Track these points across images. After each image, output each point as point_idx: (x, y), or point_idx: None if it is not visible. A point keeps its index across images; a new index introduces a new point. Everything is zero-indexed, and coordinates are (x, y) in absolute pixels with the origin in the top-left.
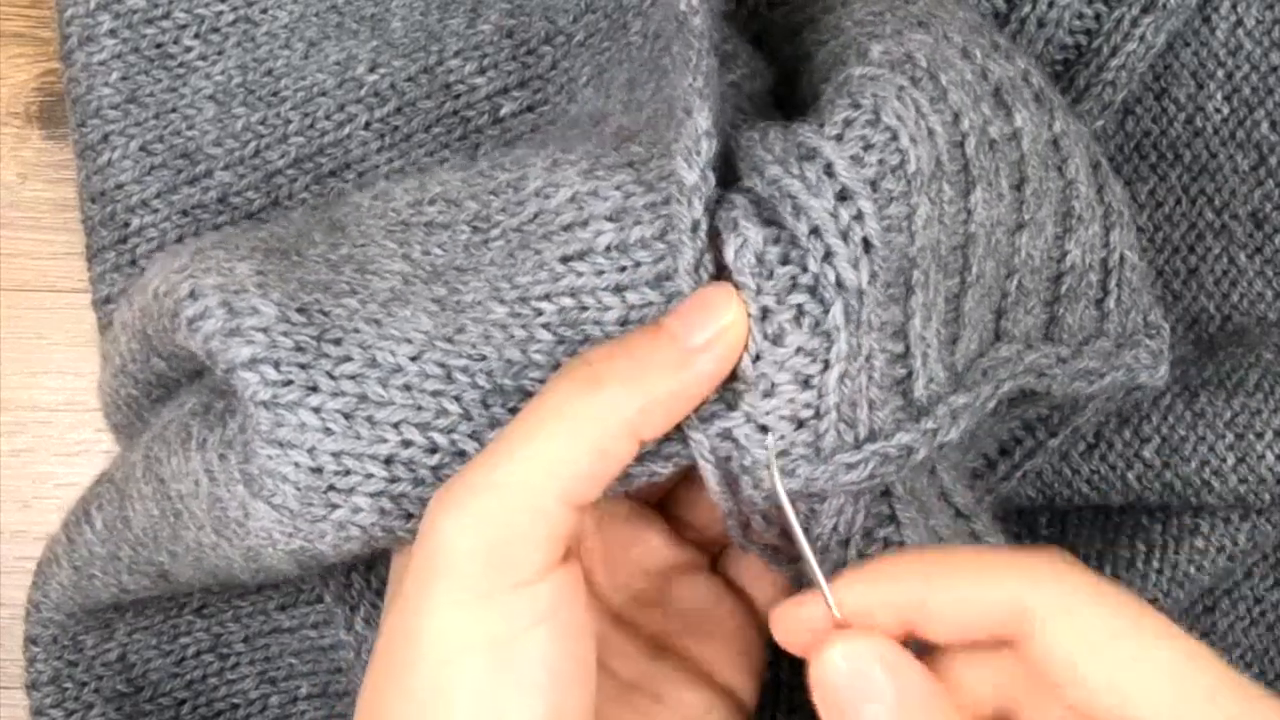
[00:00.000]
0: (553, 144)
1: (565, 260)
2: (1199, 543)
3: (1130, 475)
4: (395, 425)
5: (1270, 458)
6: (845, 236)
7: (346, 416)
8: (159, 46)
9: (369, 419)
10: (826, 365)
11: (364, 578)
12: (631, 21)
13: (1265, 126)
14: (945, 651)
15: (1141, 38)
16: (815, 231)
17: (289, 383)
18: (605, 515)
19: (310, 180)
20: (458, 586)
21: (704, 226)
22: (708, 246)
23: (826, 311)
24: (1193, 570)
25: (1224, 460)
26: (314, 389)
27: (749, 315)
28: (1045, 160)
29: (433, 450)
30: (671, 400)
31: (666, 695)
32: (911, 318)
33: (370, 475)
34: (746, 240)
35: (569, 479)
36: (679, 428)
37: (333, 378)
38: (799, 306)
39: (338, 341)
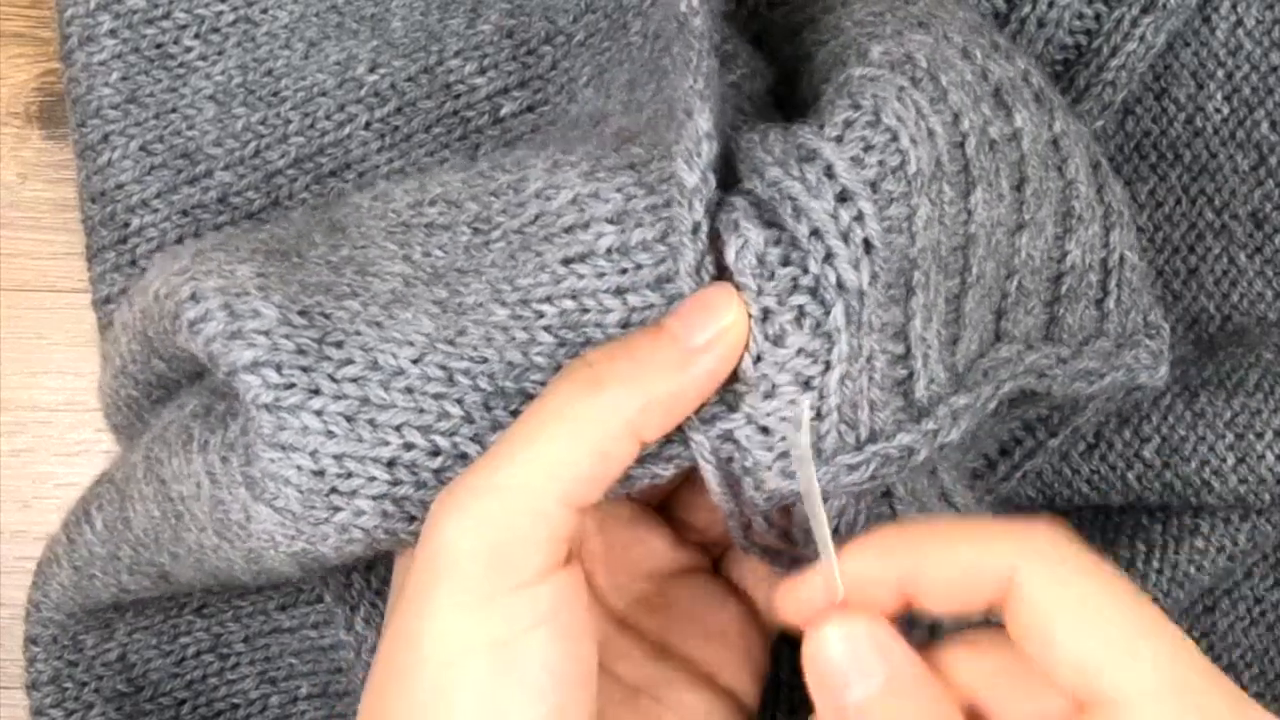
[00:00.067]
0: (553, 145)
1: (566, 262)
2: (1199, 543)
3: (1130, 475)
4: (397, 428)
5: (1270, 458)
6: (846, 238)
7: (349, 419)
8: (159, 46)
9: (371, 422)
10: (828, 366)
11: (364, 578)
12: (631, 21)
13: (1265, 126)
14: (940, 646)
15: (1141, 38)
16: (816, 233)
17: (291, 386)
18: (607, 517)
19: (310, 180)
20: (459, 589)
21: (705, 228)
22: (709, 248)
23: (828, 313)
24: (1193, 570)
25: (1224, 460)
26: (316, 392)
27: (750, 316)
28: (1045, 160)
29: (435, 453)
30: (672, 401)
31: (668, 697)
32: (912, 319)
33: (373, 478)
34: (748, 242)
35: (570, 481)
36: (680, 429)
37: (335, 380)
38: (800, 308)
39: (340, 344)
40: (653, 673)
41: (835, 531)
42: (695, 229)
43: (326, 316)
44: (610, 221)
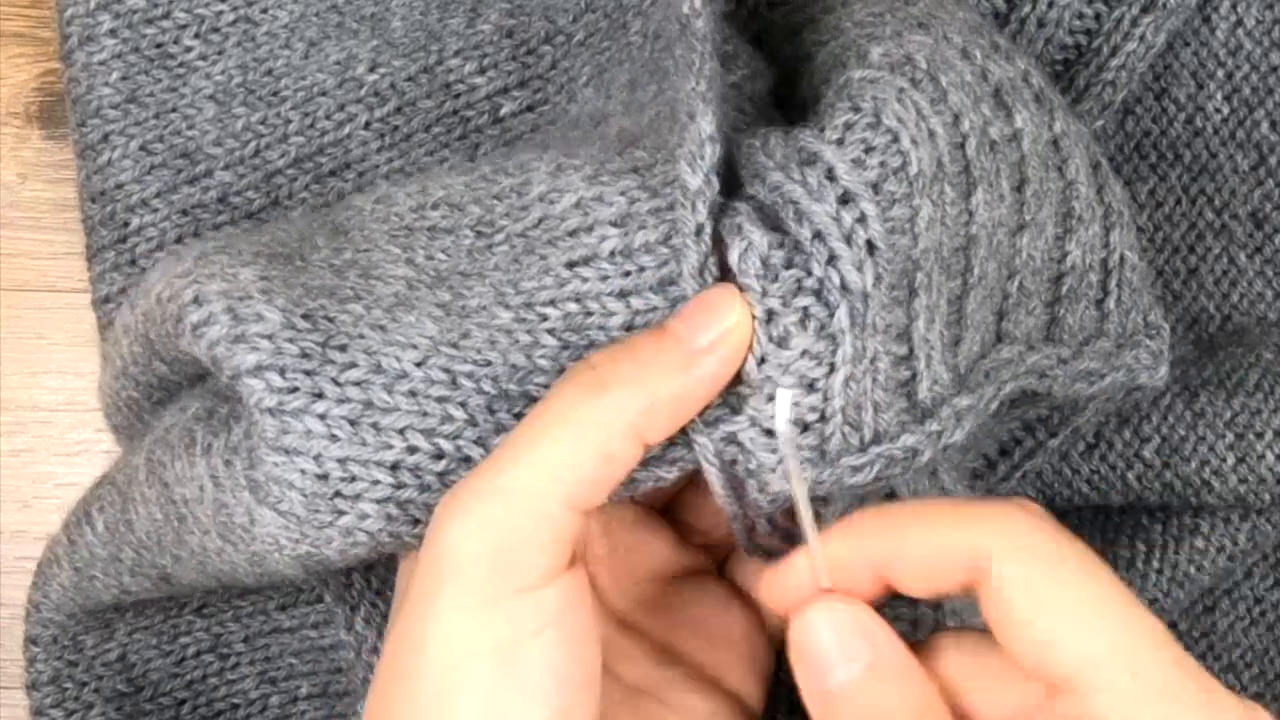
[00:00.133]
0: (555, 147)
1: (570, 265)
2: (1199, 543)
3: (1130, 475)
4: (401, 431)
5: (1270, 458)
6: (849, 239)
7: (352, 423)
8: (159, 46)
9: (374, 425)
10: (832, 369)
11: (364, 578)
12: (631, 21)
13: (1265, 126)
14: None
15: (1141, 38)
16: (818, 236)
17: (294, 389)
18: (611, 520)
19: (310, 180)
20: (463, 592)
21: (708, 230)
22: (712, 250)
23: (832, 315)
24: (1193, 570)
25: (1224, 460)
26: (319, 395)
27: (754, 318)
28: (1046, 161)
29: (438, 456)
30: (675, 402)
31: (672, 700)
32: (915, 320)
33: (376, 481)
34: (751, 244)
35: (573, 484)
36: (684, 432)
37: (338, 384)
38: (805, 309)
39: (343, 348)
40: (656, 675)
41: None
42: (698, 231)
43: (330, 320)
44: (614, 224)
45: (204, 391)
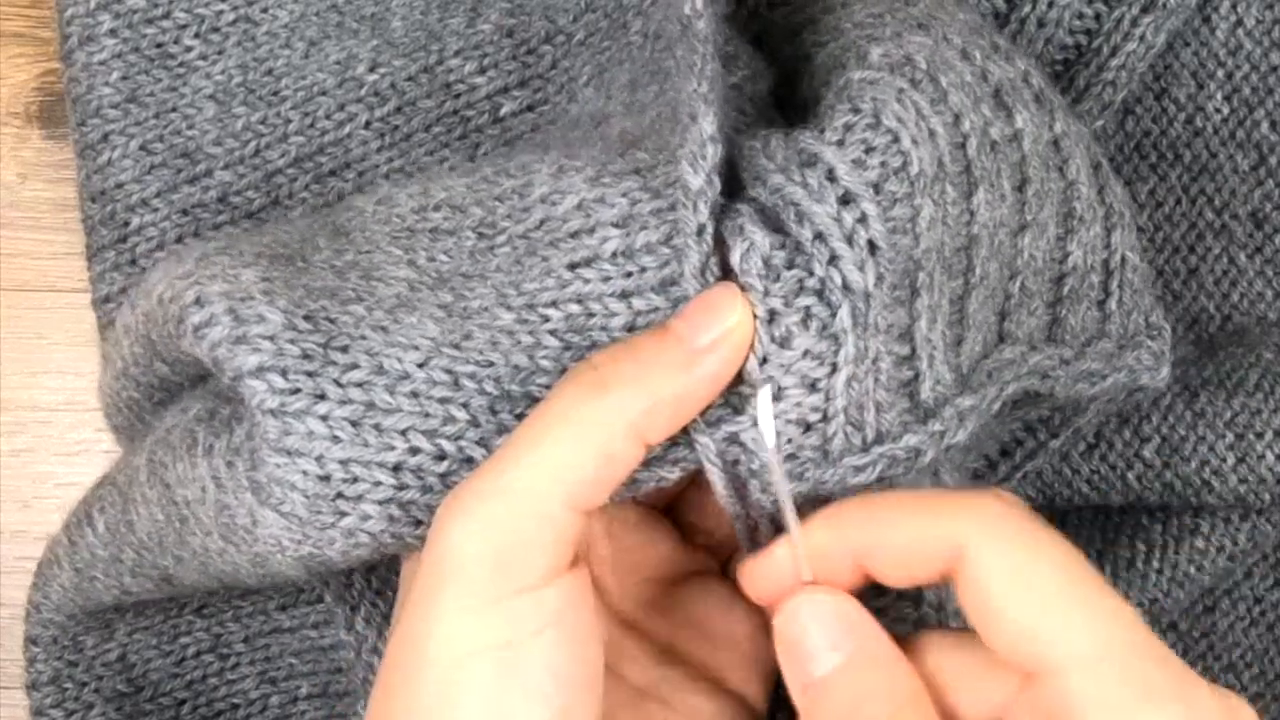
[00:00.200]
0: (555, 147)
1: (572, 267)
2: (1199, 543)
3: (1130, 475)
4: (403, 432)
5: (1270, 458)
6: (850, 240)
7: (354, 424)
8: (159, 46)
9: (376, 426)
10: (834, 368)
11: (364, 578)
12: (632, 21)
13: (1265, 126)
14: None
15: (1141, 38)
16: (819, 236)
17: (296, 391)
18: (614, 520)
19: (310, 180)
20: (465, 592)
21: (709, 230)
22: (713, 251)
23: (834, 315)
24: (1193, 570)
25: (1224, 460)
26: (321, 397)
27: (755, 318)
28: (1046, 161)
29: (440, 457)
30: (677, 402)
31: (676, 701)
32: (917, 320)
33: (378, 483)
34: (753, 244)
35: (575, 484)
36: (686, 432)
37: (340, 385)
38: (807, 309)
39: (345, 349)
40: (660, 676)
41: None
42: (700, 231)
43: (331, 321)
44: (615, 225)
45: (205, 392)
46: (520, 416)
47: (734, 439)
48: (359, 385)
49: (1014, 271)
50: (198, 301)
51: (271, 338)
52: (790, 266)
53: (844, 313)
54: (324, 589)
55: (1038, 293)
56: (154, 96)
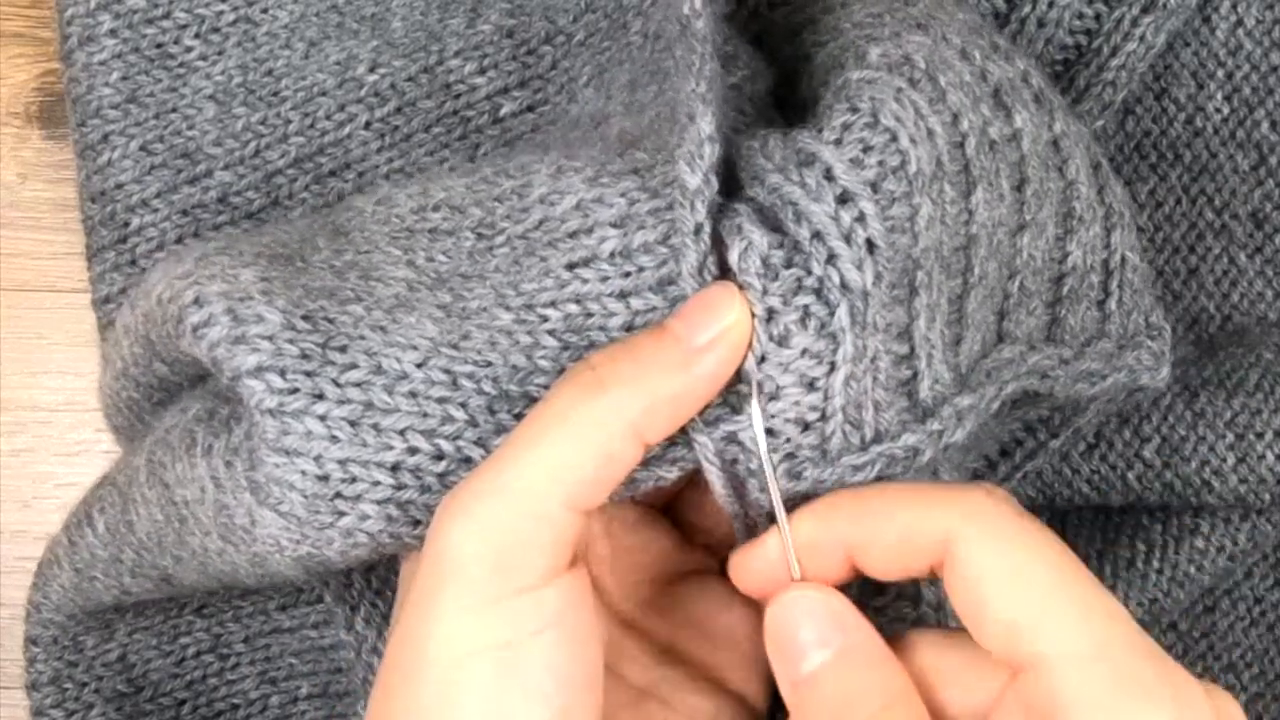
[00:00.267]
0: (555, 148)
1: (571, 267)
2: (1199, 543)
3: (1130, 475)
4: (401, 432)
5: (1270, 458)
6: (848, 239)
7: (352, 424)
8: (159, 46)
9: (375, 426)
10: (832, 367)
11: (364, 578)
12: (631, 21)
13: (1265, 126)
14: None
15: (1141, 38)
16: (818, 235)
17: (295, 390)
18: (613, 520)
19: (310, 180)
20: (464, 592)
21: (707, 229)
22: (711, 250)
23: (832, 313)
24: (1193, 570)
25: (1224, 460)
26: (320, 396)
27: (754, 317)
28: (1046, 161)
29: (439, 457)
30: (675, 401)
31: (675, 701)
32: (916, 319)
33: (377, 483)
34: (751, 243)
35: (573, 484)
36: (684, 431)
37: (338, 385)
38: (805, 308)
39: (343, 349)
40: (659, 675)
41: None
42: (697, 230)
43: (330, 321)
44: (613, 225)
45: (204, 393)
46: (518, 416)
47: (732, 438)
48: (357, 385)
49: (1013, 271)
50: (196, 301)
51: (270, 338)
52: (788, 265)
53: (842, 311)
54: (324, 589)
55: (1037, 292)
56: (154, 97)
